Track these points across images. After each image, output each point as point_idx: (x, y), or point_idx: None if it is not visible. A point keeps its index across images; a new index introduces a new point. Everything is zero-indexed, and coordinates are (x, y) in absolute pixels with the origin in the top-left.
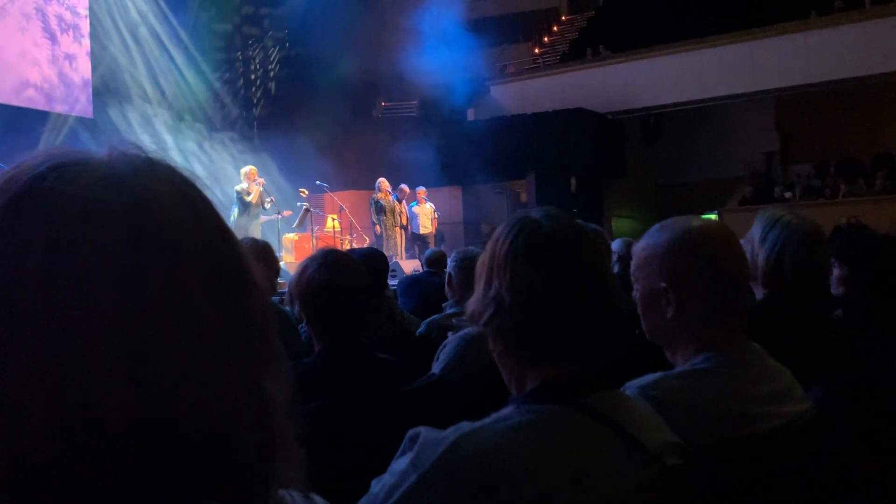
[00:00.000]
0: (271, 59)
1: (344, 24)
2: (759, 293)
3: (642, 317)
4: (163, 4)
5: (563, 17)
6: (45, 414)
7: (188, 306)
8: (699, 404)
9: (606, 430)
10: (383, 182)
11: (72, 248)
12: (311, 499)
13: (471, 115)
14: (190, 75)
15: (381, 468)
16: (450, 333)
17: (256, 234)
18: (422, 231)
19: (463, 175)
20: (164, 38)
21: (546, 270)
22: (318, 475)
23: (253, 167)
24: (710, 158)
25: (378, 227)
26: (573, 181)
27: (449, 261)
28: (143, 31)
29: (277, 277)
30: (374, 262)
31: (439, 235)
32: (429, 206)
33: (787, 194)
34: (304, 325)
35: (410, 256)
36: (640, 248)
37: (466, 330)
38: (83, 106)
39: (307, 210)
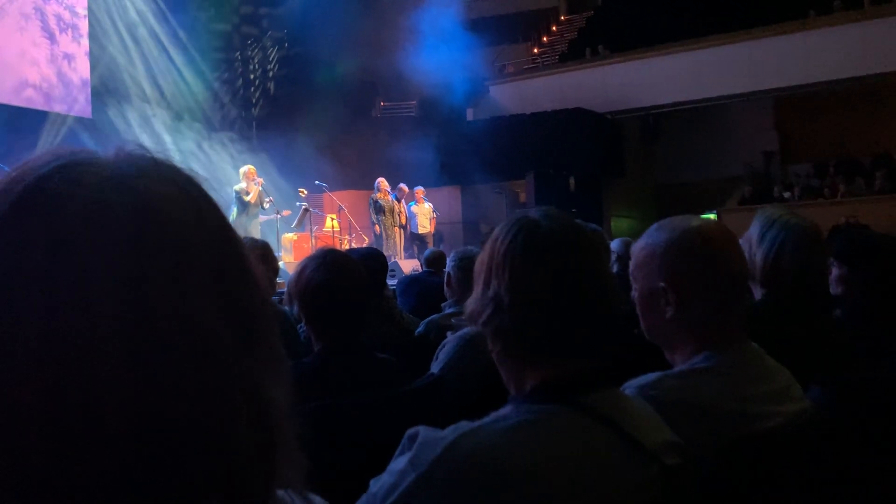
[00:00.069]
0: (270, 58)
1: (343, 23)
2: (757, 293)
3: (641, 316)
4: (161, 4)
5: (562, 17)
6: (45, 414)
7: (189, 306)
8: (698, 404)
9: (605, 429)
10: (382, 182)
11: (73, 249)
12: (309, 499)
13: (470, 114)
14: (189, 75)
15: (380, 468)
16: (449, 333)
17: (255, 233)
18: (420, 231)
19: (462, 175)
20: (163, 37)
21: (545, 270)
22: (317, 475)
23: (252, 167)
24: (709, 158)
25: (377, 227)
26: (572, 181)
27: (448, 260)
28: (142, 31)
29: (276, 277)
30: (373, 261)
31: (438, 235)
32: (427, 206)
33: (787, 194)
34: (302, 324)
35: (409, 256)
36: (638, 247)
37: (465, 330)
38: (82, 106)
39: (306, 210)
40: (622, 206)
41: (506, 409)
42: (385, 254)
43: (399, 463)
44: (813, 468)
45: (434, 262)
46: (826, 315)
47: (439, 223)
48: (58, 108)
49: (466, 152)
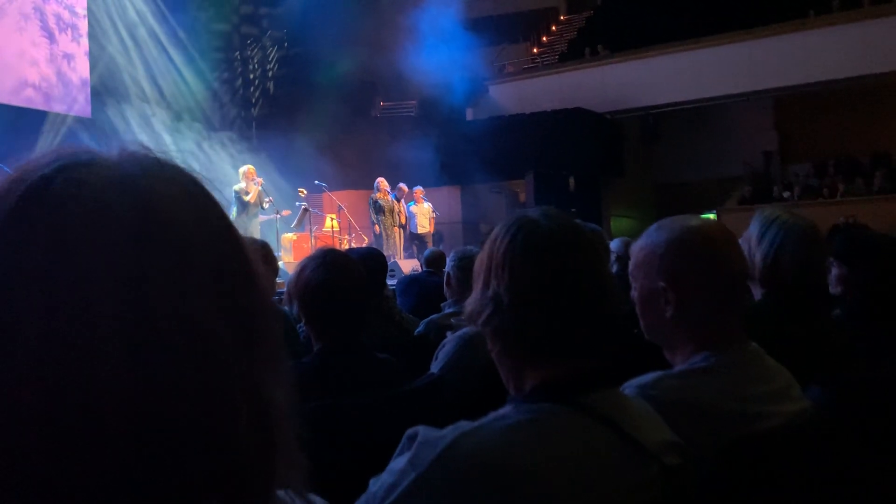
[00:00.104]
0: (270, 58)
1: (343, 23)
2: (756, 293)
3: (641, 316)
4: (161, 4)
5: (562, 17)
6: (45, 414)
7: (189, 306)
8: (698, 404)
9: (605, 429)
10: (382, 182)
11: (73, 249)
12: (309, 499)
13: (469, 114)
14: (188, 75)
15: (380, 468)
16: (448, 333)
17: (255, 233)
18: (419, 231)
19: (462, 175)
20: (163, 37)
21: (544, 270)
22: (317, 475)
23: (251, 167)
24: (708, 158)
25: (377, 227)
26: (572, 181)
27: (448, 260)
28: (142, 31)
29: (276, 277)
30: (372, 261)
31: (438, 235)
32: (426, 206)
33: (786, 194)
34: (302, 324)
35: (409, 256)
36: (638, 247)
37: (465, 329)
38: (81, 105)
39: (306, 210)
40: (622, 205)
41: (505, 409)
42: (385, 254)
43: (399, 463)
44: (813, 468)
45: (434, 262)
46: (826, 315)
47: (439, 223)
48: (57, 107)
49: (466, 152)
